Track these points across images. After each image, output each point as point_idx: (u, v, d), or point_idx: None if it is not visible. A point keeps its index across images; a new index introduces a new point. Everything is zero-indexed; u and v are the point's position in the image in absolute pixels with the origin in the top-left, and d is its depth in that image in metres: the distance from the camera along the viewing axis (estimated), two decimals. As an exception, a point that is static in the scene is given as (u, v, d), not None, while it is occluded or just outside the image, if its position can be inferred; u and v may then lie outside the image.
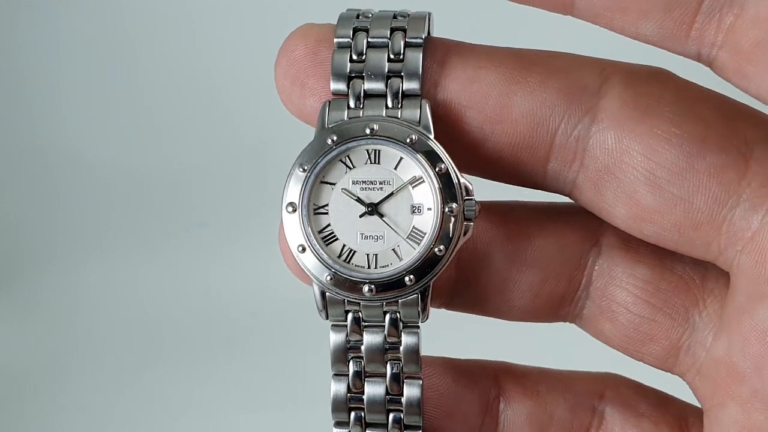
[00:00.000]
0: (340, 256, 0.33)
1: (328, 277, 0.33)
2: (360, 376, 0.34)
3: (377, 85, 0.33)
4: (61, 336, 1.07)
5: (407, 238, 0.33)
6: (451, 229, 0.33)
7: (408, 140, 0.33)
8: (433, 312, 0.36)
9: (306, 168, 0.33)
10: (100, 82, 1.20)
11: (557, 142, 0.32)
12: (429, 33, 0.34)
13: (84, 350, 1.06)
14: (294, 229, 0.33)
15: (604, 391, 0.37)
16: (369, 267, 0.33)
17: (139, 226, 1.16)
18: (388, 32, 0.33)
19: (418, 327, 0.34)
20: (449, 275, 0.35)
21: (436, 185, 0.33)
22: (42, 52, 1.18)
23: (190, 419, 0.97)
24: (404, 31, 0.33)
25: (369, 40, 0.33)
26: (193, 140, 1.18)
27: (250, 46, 1.13)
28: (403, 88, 0.33)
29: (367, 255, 0.33)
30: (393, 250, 0.33)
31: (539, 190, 0.35)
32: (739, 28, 0.28)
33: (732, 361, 0.32)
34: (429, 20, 0.34)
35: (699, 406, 0.35)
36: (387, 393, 0.34)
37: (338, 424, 0.35)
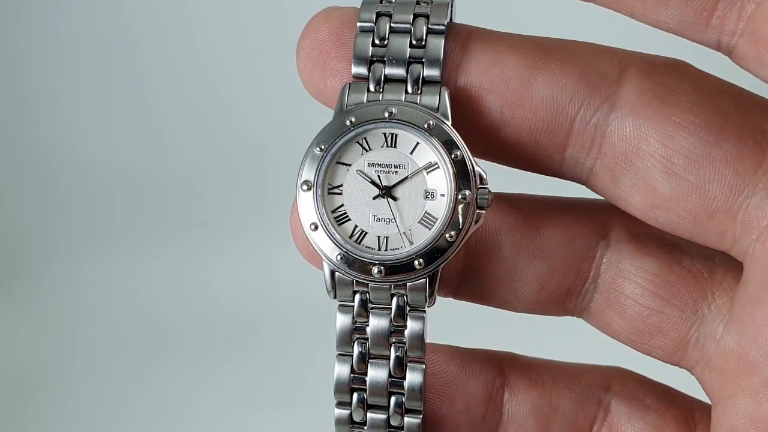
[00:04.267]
0: (351, 236, 0.34)
1: (339, 257, 0.33)
2: (364, 358, 0.34)
3: (398, 71, 0.33)
4: (61, 336, 1.07)
5: (419, 222, 0.33)
6: (462, 216, 0.33)
7: (425, 125, 0.33)
8: (442, 303, 0.36)
9: (323, 147, 0.33)
10: (100, 82, 1.20)
11: (576, 129, 0.32)
12: (451, 19, 0.34)
13: (84, 350, 1.06)
14: (308, 207, 0.34)
15: (610, 384, 0.37)
16: (380, 249, 0.33)
17: (139, 226, 1.16)
18: (411, 17, 0.34)
19: (425, 312, 0.34)
20: (457, 263, 0.35)
21: (451, 172, 0.33)
22: (42, 52, 1.18)
23: (190, 418, 0.97)
24: (427, 17, 0.33)
25: (392, 24, 0.33)
26: (193, 140, 1.18)
27: (250, 47, 1.13)
28: (424, 75, 0.33)
29: (378, 237, 0.34)
30: (404, 233, 0.33)
31: (554, 181, 0.35)
32: (759, 17, 0.28)
33: (744, 352, 0.32)
34: (451, 6, 0.34)
35: (705, 401, 0.36)
36: (390, 376, 0.34)
37: (340, 404, 0.35)
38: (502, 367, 0.37)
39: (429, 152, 0.33)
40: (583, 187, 0.35)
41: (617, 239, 0.35)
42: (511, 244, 0.35)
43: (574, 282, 0.36)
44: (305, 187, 0.34)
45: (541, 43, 0.33)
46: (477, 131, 0.33)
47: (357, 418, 0.35)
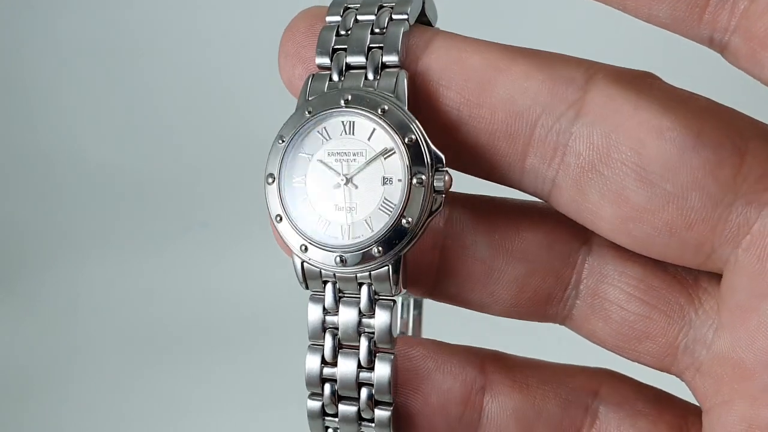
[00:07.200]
0: (315, 226, 0.33)
1: (302, 247, 0.33)
2: (335, 349, 0.34)
3: (358, 58, 0.33)
4: (61, 336, 1.08)
5: (378, 208, 0.33)
6: (419, 201, 0.32)
7: (379, 110, 0.32)
8: (432, 307, 0.35)
9: (284, 140, 0.33)
10: (100, 83, 1.20)
11: (537, 135, 0.31)
12: (431, 23, 0.34)
13: (84, 350, 1.06)
14: (273, 199, 0.34)
15: (599, 387, 0.37)
16: (342, 237, 0.33)
17: (139, 226, 1.16)
18: (376, 9, 0.34)
19: (393, 302, 0.34)
20: (433, 261, 0.34)
21: (405, 156, 0.32)
22: (44, 53, 1.19)
23: (190, 418, 0.97)
24: (391, 9, 0.34)
25: (357, 17, 0.34)
26: (194, 141, 1.18)
27: (250, 47, 1.14)
28: (383, 60, 0.33)
29: (341, 226, 0.33)
30: (365, 221, 0.33)
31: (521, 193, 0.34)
32: (753, 13, 0.27)
33: (739, 358, 0.31)
34: (424, 5, 0.34)
35: (699, 405, 0.35)
36: (359, 366, 0.34)
37: (313, 395, 0.35)
38: (485, 367, 0.36)
39: (385, 137, 0.33)
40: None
41: (599, 244, 0.35)
42: (487, 245, 0.34)
43: (554, 287, 0.35)
44: (270, 180, 0.33)
45: (507, 47, 0.32)
46: (435, 129, 0.32)
47: (329, 410, 0.35)
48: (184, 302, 1.10)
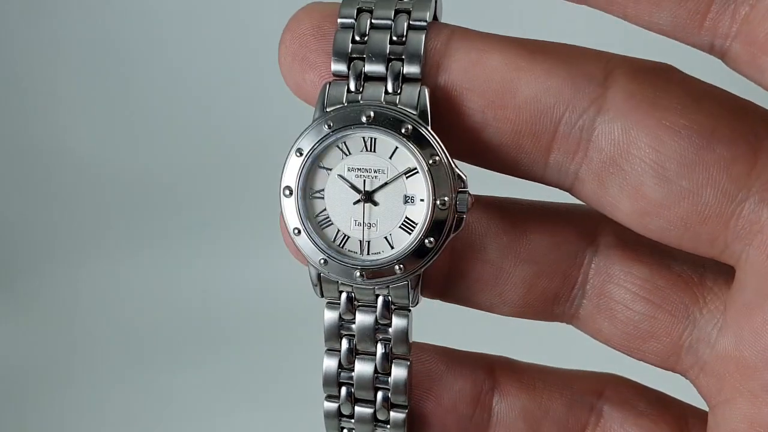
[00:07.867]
0: (334, 240, 0.34)
1: (322, 261, 0.33)
2: (352, 353, 0.35)
3: (377, 68, 0.32)
4: (60, 335, 1.08)
5: (399, 227, 0.33)
6: (442, 221, 0.33)
7: (403, 130, 0.32)
8: (440, 306, 0.36)
9: (303, 152, 0.33)
10: (100, 84, 1.20)
11: (561, 132, 0.32)
12: (436, 18, 0.34)
13: (84, 349, 1.06)
14: (291, 212, 0.34)
15: (603, 389, 0.38)
16: (361, 253, 0.33)
17: (139, 226, 1.16)
18: (392, 13, 0.33)
19: (409, 310, 0.34)
20: (442, 265, 0.35)
21: (429, 177, 0.32)
22: (41, 54, 1.18)
23: (189, 418, 0.97)
24: (408, 13, 0.33)
25: (372, 21, 0.33)
26: (193, 141, 1.18)
27: (250, 47, 1.14)
28: (404, 72, 0.32)
29: (360, 241, 0.33)
30: (385, 238, 0.33)
31: (542, 186, 0.34)
32: (753, 19, 0.28)
33: (742, 356, 0.31)
34: (436, 4, 0.34)
35: (699, 407, 0.36)
36: (376, 371, 0.35)
37: (329, 398, 0.36)
38: (494, 370, 0.37)
39: (408, 157, 0.33)
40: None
41: (606, 245, 0.35)
42: (496, 247, 0.35)
43: (561, 287, 0.36)
44: (287, 192, 0.33)
45: (525, 44, 0.32)
46: (458, 132, 0.33)
47: (345, 411, 0.36)
48: (184, 302, 1.10)
